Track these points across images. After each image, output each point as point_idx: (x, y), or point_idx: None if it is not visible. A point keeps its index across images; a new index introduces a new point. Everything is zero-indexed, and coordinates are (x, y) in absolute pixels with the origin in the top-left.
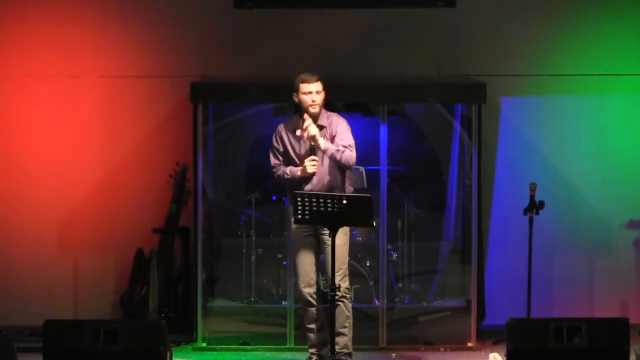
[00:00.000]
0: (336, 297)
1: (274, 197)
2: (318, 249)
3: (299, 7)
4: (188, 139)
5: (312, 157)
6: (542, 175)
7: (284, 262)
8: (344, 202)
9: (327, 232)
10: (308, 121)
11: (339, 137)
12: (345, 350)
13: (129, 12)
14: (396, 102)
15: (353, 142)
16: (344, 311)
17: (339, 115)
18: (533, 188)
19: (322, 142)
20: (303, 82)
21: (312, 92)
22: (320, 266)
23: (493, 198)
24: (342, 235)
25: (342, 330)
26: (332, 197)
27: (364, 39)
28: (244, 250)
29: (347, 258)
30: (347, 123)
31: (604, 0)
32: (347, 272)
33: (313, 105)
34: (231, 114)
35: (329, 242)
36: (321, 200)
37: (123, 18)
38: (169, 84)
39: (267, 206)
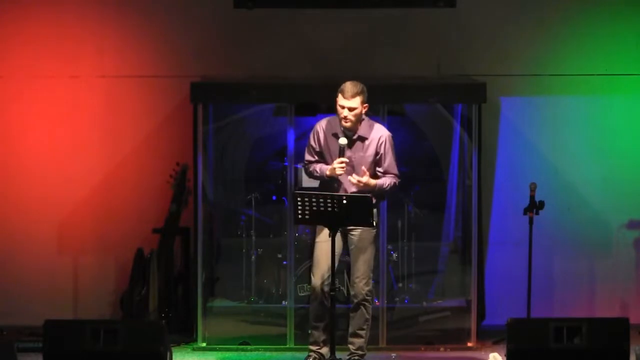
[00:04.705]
0: (357, 301)
1: (274, 197)
2: (342, 248)
3: (299, 7)
4: (188, 139)
5: (341, 159)
6: (542, 175)
7: (284, 262)
8: (344, 202)
9: (356, 232)
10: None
11: (385, 162)
12: (360, 352)
13: (129, 12)
14: (396, 102)
15: (395, 164)
16: (364, 314)
17: (383, 126)
18: (533, 188)
19: (372, 182)
20: (341, 92)
21: (345, 107)
22: (340, 266)
23: (493, 198)
24: (372, 239)
25: (359, 331)
26: (332, 197)
27: (364, 39)
28: (244, 250)
29: (373, 263)
30: (391, 138)
31: (603, 1)
32: (372, 276)
33: (345, 120)
34: (231, 114)
35: (357, 244)
36: (321, 200)
37: (123, 18)
38: (169, 84)
39: (267, 206)
